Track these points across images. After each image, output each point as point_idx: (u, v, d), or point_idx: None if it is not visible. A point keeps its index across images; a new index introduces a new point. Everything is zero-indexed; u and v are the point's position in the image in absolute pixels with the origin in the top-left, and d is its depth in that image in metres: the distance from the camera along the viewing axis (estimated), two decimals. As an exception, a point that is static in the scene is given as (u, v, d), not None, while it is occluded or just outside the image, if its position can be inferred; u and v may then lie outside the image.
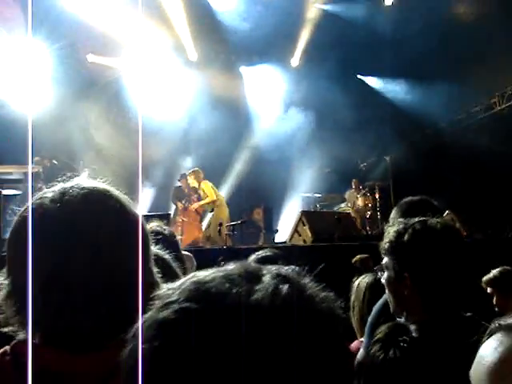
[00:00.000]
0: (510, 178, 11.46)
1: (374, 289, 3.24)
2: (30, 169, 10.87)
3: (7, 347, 1.18)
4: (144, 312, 0.75)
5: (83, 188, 1.27)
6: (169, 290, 0.75)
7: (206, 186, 12.26)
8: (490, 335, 1.06)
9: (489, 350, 1.04)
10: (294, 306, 0.71)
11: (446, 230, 2.09)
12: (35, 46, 12.21)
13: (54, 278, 1.15)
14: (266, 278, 0.73)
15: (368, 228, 13.16)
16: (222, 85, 15.43)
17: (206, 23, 14.84)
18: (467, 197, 13.75)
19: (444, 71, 13.83)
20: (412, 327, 1.86)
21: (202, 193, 12.26)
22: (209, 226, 12.60)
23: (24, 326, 1.16)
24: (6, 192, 9.88)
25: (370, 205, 13.56)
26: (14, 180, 10.88)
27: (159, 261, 1.86)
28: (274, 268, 0.77)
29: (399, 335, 1.80)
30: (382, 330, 1.84)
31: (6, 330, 1.18)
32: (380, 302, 2.69)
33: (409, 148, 15.11)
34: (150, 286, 1.22)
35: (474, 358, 1.07)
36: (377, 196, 13.53)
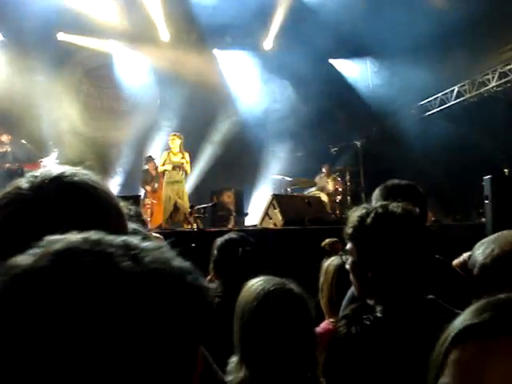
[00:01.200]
0: (479, 164, 11.61)
1: (343, 271, 3.28)
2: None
3: None
4: None
5: (59, 177, 1.23)
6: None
7: (187, 155, 11.98)
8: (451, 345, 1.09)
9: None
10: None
11: (407, 215, 2.12)
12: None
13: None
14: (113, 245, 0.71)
15: (338, 212, 13.24)
16: (194, 66, 15.33)
17: (179, 3, 14.70)
18: (436, 182, 13.93)
19: (416, 56, 13.91)
20: (378, 308, 1.90)
21: (182, 158, 11.88)
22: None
23: None
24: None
25: (340, 189, 13.63)
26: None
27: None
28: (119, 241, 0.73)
29: (364, 314, 1.84)
30: (350, 308, 1.87)
31: None
32: (349, 292, 2.73)
33: (379, 133, 15.22)
34: None
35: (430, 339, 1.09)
36: (347, 180, 13.61)
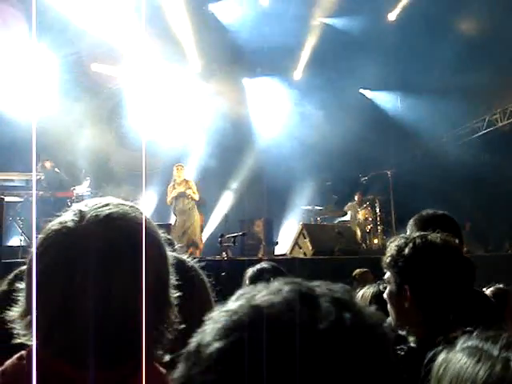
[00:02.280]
0: (511, 195, 11.47)
1: (379, 299, 3.25)
2: (34, 176, 10.88)
3: (23, 352, 1.20)
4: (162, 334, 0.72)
5: (107, 219, 1.24)
6: (224, 312, 0.71)
7: (192, 183, 12.10)
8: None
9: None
10: (356, 335, 0.68)
11: (446, 245, 2.11)
12: (40, 53, 12.25)
13: (68, 308, 1.16)
14: (324, 304, 0.70)
15: (368, 241, 13.15)
16: (224, 96, 15.46)
17: (210, 34, 14.89)
18: (468, 212, 13.75)
19: (446, 86, 13.87)
20: (411, 339, 1.88)
21: (188, 189, 11.95)
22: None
23: (40, 341, 1.17)
24: (7, 199, 9.90)
25: (370, 218, 13.54)
26: (16, 187, 10.90)
27: (186, 268, 1.94)
28: (326, 289, 0.73)
29: (397, 344, 1.82)
30: None
31: (18, 341, 1.20)
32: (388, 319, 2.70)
33: (410, 162, 15.13)
34: (169, 307, 1.27)
35: None
36: (377, 210, 13.52)
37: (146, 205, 13.91)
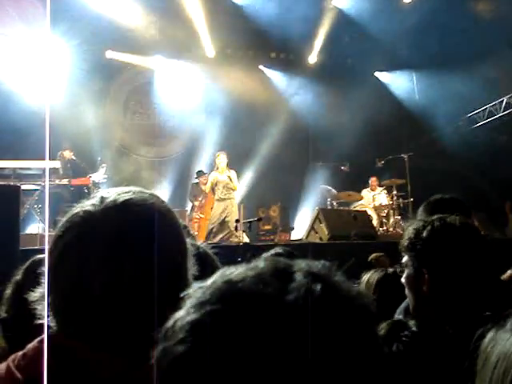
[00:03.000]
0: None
1: (384, 283, 3.26)
2: (47, 164, 10.93)
3: (43, 336, 1.23)
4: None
5: (126, 204, 1.26)
6: (199, 288, 0.74)
7: (233, 173, 12.09)
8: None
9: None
10: (328, 306, 0.70)
11: (465, 228, 2.10)
12: (54, 40, 12.28)
13: (104, 288, 1.19)
14: (298, 277, 0.71)
15: (385, 226, 13.12)
16: (239, 81, 15.44)
17: (225, 20, 14.85)
18: (485, 195, 13.66)
19: (464, 68, 13.75)
20: (411, 323, 1.87)
21: (228, 178, 11.94)
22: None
23: (57, 324, 1.21)
24: (24, 187, 9.98)
25: (386, 203, 13.50)
26: (33, 175, 10.97)
27: (201, 254, 1.93)
28: (304, 264, 0.75)
29: (400, 331, 1.81)
30: (383, 327, 1.85)
31: (41, 322, 1.22)
32: (403, 304, 2.69)
33: (427, 146, 15.03)
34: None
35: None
36: (394, 194, 13.47)
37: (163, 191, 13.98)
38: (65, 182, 11.40)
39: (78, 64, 13.38)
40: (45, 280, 1.21)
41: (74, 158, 12.08)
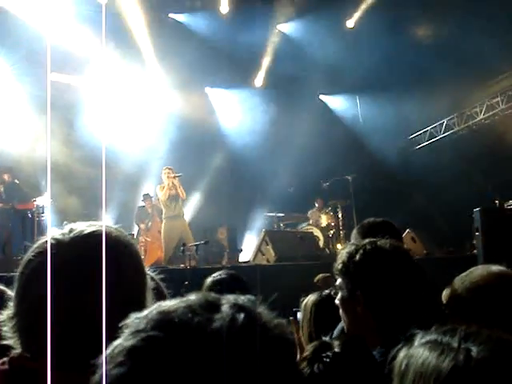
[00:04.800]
0: (469, 196, 11.67)
1: (320, 306, 3.34)
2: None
3: (5, 358, 1.29)
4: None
5: (92, 235, 1.36)
6: (136, 319, 0.80)
7: (176, 182, 11.94)
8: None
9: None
10: (249, 333, 0.77)
11: (395, 250, 2.19)
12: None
13: (68, 315, 1.26)
14: (225, 308, 0.79)
15: (331, 246, 13.24)
16: (186, 104, 15.43)
17: (171, 43, 14.86)
18: (428, 215, 13.97)
19: (404, 92, 14.10)
20: (335, 343, 1.92)
21: (175, 189, 11.82)
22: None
23: (21, 344, 1.29)
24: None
25: (332, 223, 13.65)
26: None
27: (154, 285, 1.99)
28: (232, 298, 0.82)
29: (324, 351, 1.86)
30: (309, 348, 1.90)
31: (5, 342, 1.30)
32: (339, 325, 2.75)
33: (371, 167, 15.30)
34: None
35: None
36: (339, 215, 13.63)
37: (106, 216, 13.79)
38: (9, 206, 11.17)
39: (21, 86, 13.17)
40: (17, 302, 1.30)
41: (17, 182, 11.84)
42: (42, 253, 1.31)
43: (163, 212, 11.98)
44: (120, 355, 0.75)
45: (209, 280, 3.71)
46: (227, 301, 0.81)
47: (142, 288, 1.38)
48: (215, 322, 0.76)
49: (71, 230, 1.35)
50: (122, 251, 1.36)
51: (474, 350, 1.07)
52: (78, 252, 1.31)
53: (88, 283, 1.26)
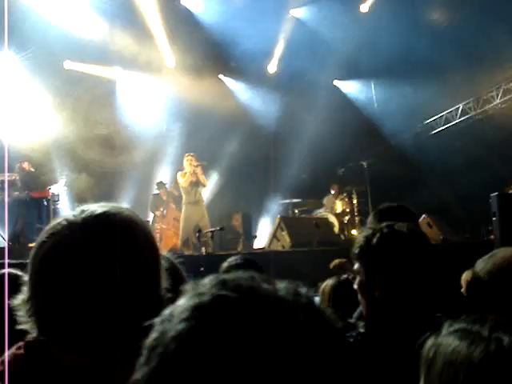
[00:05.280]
0: (485, 182, 11.59)
1: (338, 290, 3.35)
2: (6, 177, 10.78)
3: (21, 343, 1.30)
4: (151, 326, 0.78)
5: (100, 214, 1.36)
6: (195, 285, 0.78)
7: (199, 170, 12.16)
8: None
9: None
10: (314, 305, 0.78)
11: (413, 234, 2.17)
12: (10, 53, 12.15)
13: (78, 295, 1.26)
14: (280, 283, 0.79)
15: (346, 232, 13.22)
16: (200, 90, 15.41)
17: (184, 29, 14.85)
18: (444, 200, 13.90)
19: (420, 76, 13.99)
20: (360, 324, 1.92)
21: (196, 176, 12.05)
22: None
23: (37, 328, 1.29)
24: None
25: (347, 210, 13.62)
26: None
27: (170, 266, 2.01)
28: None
29: (348, 332, 1.86)
30: None
31: (21, 327, 1.30)
32: (358, 309, 2.75)
33: (386, 153, 15.23)
34: (162, 300, 1.36)
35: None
36: (354, 201, 13.60)
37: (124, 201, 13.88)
38: (24, 194, 11.23)
39: (36, 75, 13.21)
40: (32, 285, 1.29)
41: (33, 170, 11.90)
42: (54, 234, 1.31)
43: (183, 198, 12.14)
44: (185, 312, 0.73)
45: (224, 265, 3.72)
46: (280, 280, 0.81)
47: (156, 267, 1.38)
48: (280, 290, 0.76)
49: (83, 211, 1.35)
50: (135, 230, 1.36)
51: (505, 340, 1.07)
52: (91, 232, 1.30)
53: (102, 263, 1.27)
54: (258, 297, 0.74)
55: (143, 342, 0.76)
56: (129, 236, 1.32)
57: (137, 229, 1.36)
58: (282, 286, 0.78)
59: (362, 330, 1.87)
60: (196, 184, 12.02)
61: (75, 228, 1.31)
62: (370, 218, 3.28)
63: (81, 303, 1.24)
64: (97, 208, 1.36)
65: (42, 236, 1.33)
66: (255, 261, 3.81)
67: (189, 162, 11.97)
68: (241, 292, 0.74)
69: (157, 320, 0.77)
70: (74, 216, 1.34)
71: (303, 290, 0.80)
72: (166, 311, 0.77)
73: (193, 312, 0.73)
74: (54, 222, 1.36)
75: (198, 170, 11.97)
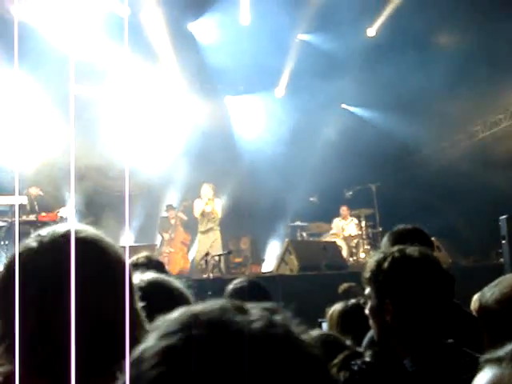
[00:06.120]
0: (494, 204, 11.54)
1: (346, 316, 3.33)
2: (16, 200, 10.82)
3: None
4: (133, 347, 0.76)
5: (65, 236, 1.33)
6: (165, 321, 0.76)
7: (219, 203, 12.68)
8: (479, 369, 1.07)
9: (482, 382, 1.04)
10: (291, 335, 0.75)
11: (424, 258, 2.16)
12: (20, 77, 12.24)
13: (41, 327, 1.25)
14: (255, 311, 0.76)
15: (355, 256, 13.17)
16: (207, 114, 15.48)
17: (192, 54, 14.95)
18: (452, 224, 13.83)
19: (427, 99, 14.02)
20: (367, 353, 1.90)
21: (211, 207, 12.41)
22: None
23: (9, 361, 1.24)
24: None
25: (356, 233, 13.59)
26: (0, 211, 10.84)
27: (169, 289, 2.02)
28: (254, 304, 0.79)
29: (353, 360, 1.84)
30: (340, 356, 1.88)
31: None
32: (369, 334, 2.73)
33: (394, 176, 15.22)
34: (137, 326, 1.32)
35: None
36: (363, 224, 13.57)
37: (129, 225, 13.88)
38: (32, 218, 11.25)
39: (45, 98, 13.31)
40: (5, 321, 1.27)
41: (42, 194, 11.94)
42: (9, 264, 1.31)
43: (198, 226, 12.61)
44: (156, 356, 0.71)
45: (230, 287, 3.72)
46: (252, 306, 0.78)
47: (112, 287, 1.32)
48: (254, 322, 0.73)
49: (39, 236, 1.34)
50: (87, 250, 1.31)
51: None
52: (42, 260, 1.29)
53: (54, 289, 1.24)
54: (230, 334, 0.71)
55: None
56: (81, 258, 1.25)
57: (89, 250, 1.32)
58: (256, 315, 0.75)
59: (367, 359, 1.85)
60: (208, 214, 12.25)
61: (29, 257, 1.30)
62: (384, 240, 3.27)
63: (34, 332, 1.23)
64: (51, 232, 1.35)
65: (5, 265, 1.34)
66: (260, 283, 3.81)
67: (205, 191, 12.33)
68: (211, 329, 0.72)
69: (127, 362, 0.75)
70: (31, 243, 1.33)
71: (280, 318, 0.76)
72: (136, 352, 0.74)
73: (163, 356, 0.71)
74: (19, 246, 1.36)
75: (212, 202, 12.19)
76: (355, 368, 1.82)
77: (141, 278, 1.99)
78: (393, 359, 1.94)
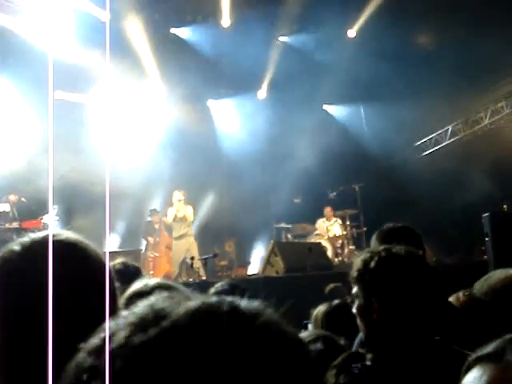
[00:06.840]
0: (476, 202, 11.63)
1: (330, 316, 3.35)
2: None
3: None
4: None
5: (45, 239, 1.33)
6: (131, 313, 0.74)
7: (190, 209, 12.63)
8: (469, 368, 1.05)
9: (473, 381, 1.02)
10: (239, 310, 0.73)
11: (410, 257, 2.18)
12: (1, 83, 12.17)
13: (20, 331, 1.24)
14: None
15: (340, 256, 13.20)
16: (189, 118, 15.46)
17: (173, 57, 14.92)
18: (436, 222, 13.91)
19: (409, 99, 14.08)
20: (368, 356, 1.90)
21: (183, 212, 12.44)
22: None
23: None
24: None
25: (340, 233, 13.62)
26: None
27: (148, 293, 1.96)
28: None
29: (353, 362, 1.84)
30: (339, 358, 1.88)
31: None
32: (360, 334, 2.74)
33: (376, 176, 15.27)
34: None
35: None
36: (347, 224, 13.61)
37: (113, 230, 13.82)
38: (15, 225, 11.16)
39: (27, 103, 13.22)
40: None
41: (24, 200, 11.85)
42: None
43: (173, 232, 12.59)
44: (126, 351, 0.67)
45: (212, 291, 3.75)
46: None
47: (86, 292, 1.31)
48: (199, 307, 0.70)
49: (18, 244, 1.34)
50: (67, 253, 1.31)
51: None
52: (20, 266, 1.29)
53: (34, 291, 1.24)
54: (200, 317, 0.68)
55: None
56: (59, 263, 1.24)
57: (63, 254, 1.30)
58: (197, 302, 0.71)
59: (368, 363, 1.84)
60: (181, 219, 12.32)
61: (7, 264, 1.30)
62: (373, 239, 3.28)
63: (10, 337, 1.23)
64: (28, 239, 1.35)
65: None
66: (240, 285, 3.86)
67: (177, 199, 12.36)
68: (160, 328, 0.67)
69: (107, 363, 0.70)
70: (8, 251, 1.33)
71: (223, 301, 0.73)
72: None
73: (134, 351, 0.67)
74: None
75: (183, 206, 12.20)
76: (355, 371, 1.82)
77: (146, 282, 2.00)
78: (393, 363, 1.94)
